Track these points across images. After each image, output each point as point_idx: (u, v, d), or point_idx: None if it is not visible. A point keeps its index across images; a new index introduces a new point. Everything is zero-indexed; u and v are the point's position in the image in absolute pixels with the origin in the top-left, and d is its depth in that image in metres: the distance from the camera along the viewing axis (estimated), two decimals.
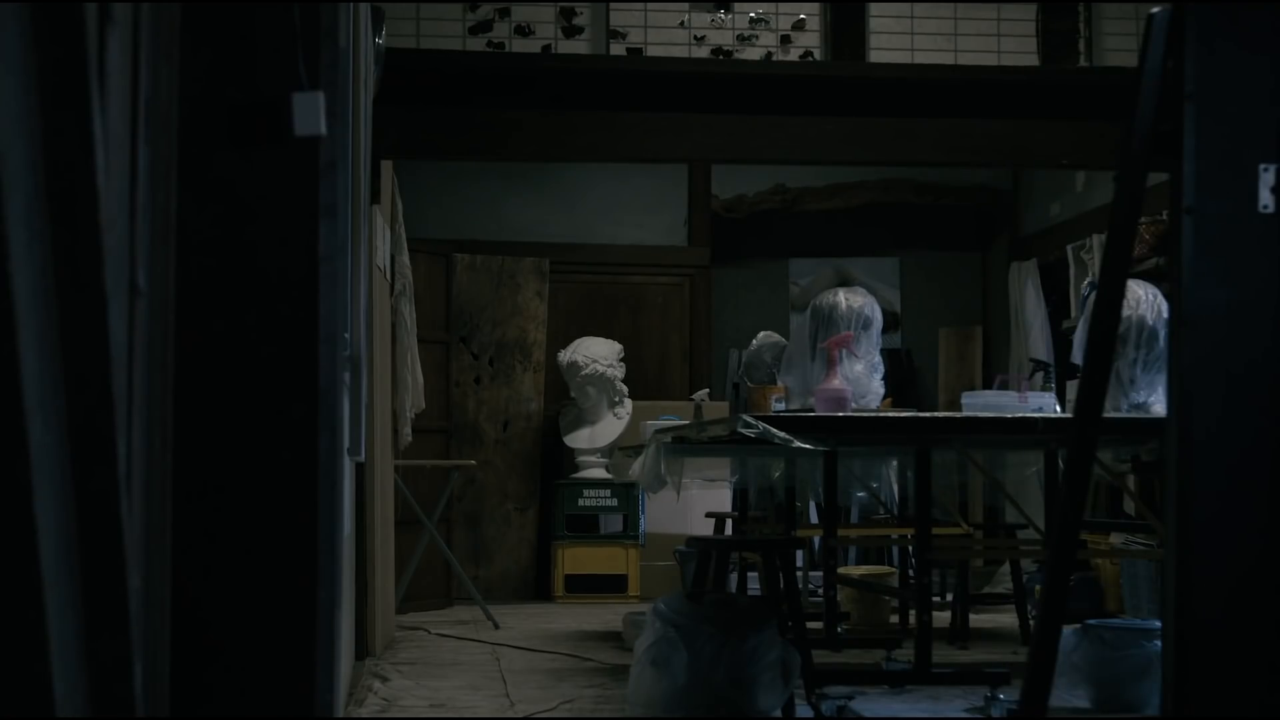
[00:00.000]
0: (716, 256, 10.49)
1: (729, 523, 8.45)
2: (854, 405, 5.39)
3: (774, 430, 4.45)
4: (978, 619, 7.77)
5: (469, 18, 7.16)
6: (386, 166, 6.98)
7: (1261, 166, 2.50)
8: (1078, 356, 6.10)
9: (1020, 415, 5.02)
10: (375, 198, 6.26)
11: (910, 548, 6.82)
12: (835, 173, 10.92)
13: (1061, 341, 9.48)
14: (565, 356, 9.38)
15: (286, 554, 2.48)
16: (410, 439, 8.18)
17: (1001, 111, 7.25)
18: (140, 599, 1.81)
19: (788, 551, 5.33)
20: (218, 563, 2.45)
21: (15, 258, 1.26)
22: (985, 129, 7.26)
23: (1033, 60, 7.34)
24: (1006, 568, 8.25)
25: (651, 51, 7.21)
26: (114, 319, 1.52)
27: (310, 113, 2.43)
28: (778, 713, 4.72)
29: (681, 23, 7.27)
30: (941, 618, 7.29)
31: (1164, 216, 7.76)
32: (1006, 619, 7.81)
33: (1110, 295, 2.76)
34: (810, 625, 5.90)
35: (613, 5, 7.22)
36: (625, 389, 9.48)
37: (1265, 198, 2.50)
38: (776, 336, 7.78)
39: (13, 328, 1.26)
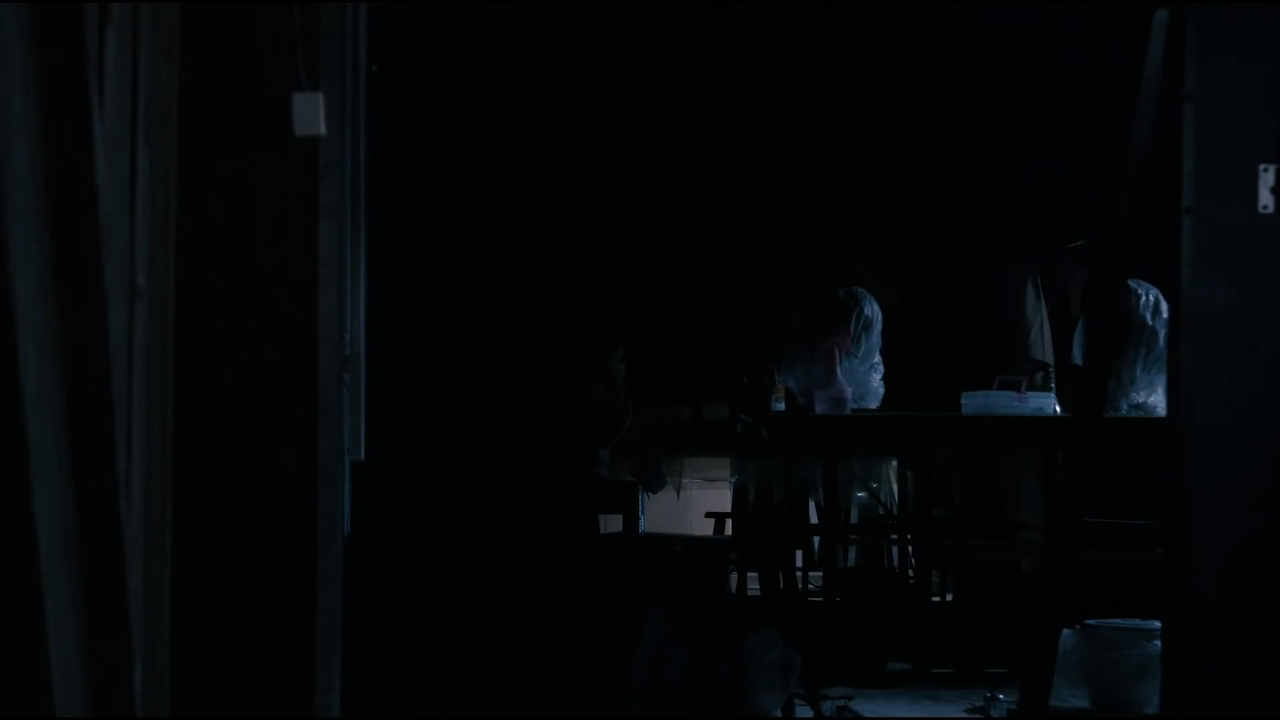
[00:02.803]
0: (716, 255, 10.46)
1: (729, 522, 8.44)
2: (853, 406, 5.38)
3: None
4: (978, 619, 7.74)
5: None
6: None
7: (1261, 166, 2.50)
8: (1078, 356, 6.10)
9: (1020, 415, 5.02)
10: None
11: (910, 548, 6.82)
12: (836, 171, 10.88)
13: (1061, 341, 9.47)
14: None
15: (286, 555, 2.48)
16: None
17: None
18: (140, 599, 1.81)
19: (787, 552, 5.33)
20: (217, 563, 2.45)
21: (15, 258, 1.26)
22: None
23: None
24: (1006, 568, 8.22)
25: None
26: (114, 319, 1.52)
27: (310, 113, 2.43)
28: (778, 713, 4.72)
29: None
30: (941, 618, 7.27)
31: None
32: (1006, 619, 7.78)
33: (1110, 295, 2.77)
34: (810, 625, 5.89)
35: None
36: (625, 388, 9.46)
37: (1265, 198, 2.50)
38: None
39: (13, 328, 1.26)
